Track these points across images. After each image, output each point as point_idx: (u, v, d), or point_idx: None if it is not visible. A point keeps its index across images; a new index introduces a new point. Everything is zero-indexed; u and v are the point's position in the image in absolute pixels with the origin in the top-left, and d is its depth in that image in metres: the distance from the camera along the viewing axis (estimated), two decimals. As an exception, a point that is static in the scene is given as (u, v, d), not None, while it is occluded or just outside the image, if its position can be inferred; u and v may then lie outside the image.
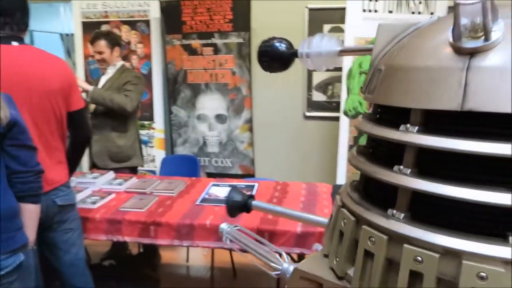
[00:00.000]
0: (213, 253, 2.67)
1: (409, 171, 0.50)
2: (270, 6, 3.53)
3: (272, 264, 0.81)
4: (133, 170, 2.92)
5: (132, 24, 3.64)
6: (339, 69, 3.49)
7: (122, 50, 2.97)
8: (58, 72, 1.72)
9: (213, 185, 2.55)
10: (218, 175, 3.63)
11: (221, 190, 2.44)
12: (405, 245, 0.48)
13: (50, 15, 4.92)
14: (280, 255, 0.81)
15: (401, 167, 0.51)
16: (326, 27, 3.48)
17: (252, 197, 0.93)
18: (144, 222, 1.98)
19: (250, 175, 3.56)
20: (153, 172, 3.70)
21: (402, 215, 0.51)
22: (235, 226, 1.09)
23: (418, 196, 0.49)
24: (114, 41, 2.76)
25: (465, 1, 0.44)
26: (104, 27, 3.61)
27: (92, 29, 3.37)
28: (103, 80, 2.80)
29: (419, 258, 0.47)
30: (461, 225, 0.47)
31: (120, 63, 2.85)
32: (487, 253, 0.43)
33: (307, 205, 2.24)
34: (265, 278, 2.88)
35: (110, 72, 2.79)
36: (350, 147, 3.16)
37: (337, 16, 3.43)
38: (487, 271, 0.42)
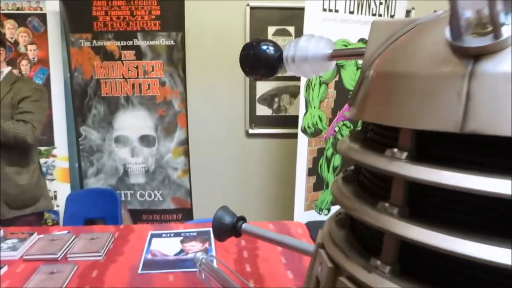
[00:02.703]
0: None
1: (395, 210, 0.41)
2: (206, 2, 3.00)
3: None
4: (40, 216, 2.22)
5: (20, 19, 2.83)
6: (287, 78, 3.11)
7: (7, 53, 2.19)
8: None
9: (153, 236, 1.93)
10: (144, 211, 2.97)
11: (167, 245, 1.83)
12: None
13: None
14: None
15: (387, 204, 0.42)
16: (271, 29, 3.05)
17: (243, 219, 0.91)
18: (63, 317, 1.31)
19: (186, 209, 2.96)
20: (55, 213, 2.90)
21: (388, 268, 0.42)
22: (210, 257, 1.04)
23: (409, 244, 0.40)
24: (-2, 39, 2.02)
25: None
26: (-21, 22, 2.75)
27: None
28: (-19, 94, 2.02)
29: None
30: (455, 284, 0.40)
31: (7, 69, 2.10)
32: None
33: (286, 252, 1.74)
34: None
35: (-7, 82, 2.02)
36: (309, 170, 2.75)
37: (282, 16, 3.03)
38: None
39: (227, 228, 0.90)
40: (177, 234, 1.96)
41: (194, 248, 1.80)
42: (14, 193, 2.05)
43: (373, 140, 0.49)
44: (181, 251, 1.77)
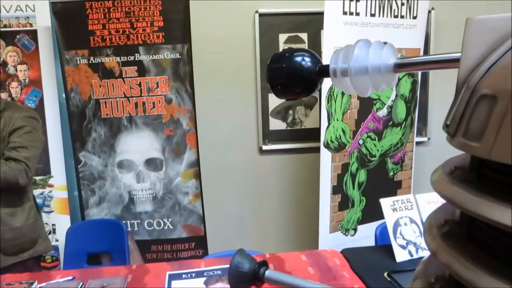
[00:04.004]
0: None
1: None
2: (212, 11, 2.79)
3: None
4: (39, 259, 2.00)
5: (7, 37, 2.60)
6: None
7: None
8: None
9: (172, 277, 1.70)
10: (153, 242, 2.73)
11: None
12: None
13: None
14: None
15: None
16: (282, 37, 2.85)
17: (264, 264, 0.81)
18: None
19: (199, 237, 2.72)
20: (55, 248, 2.65)
21: None
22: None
23: None
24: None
25: None
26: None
27: None
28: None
29: None
30: None
31: (-5, 94, 1.87)
32: None
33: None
34: None
35: (-20, 110, 1.79)
36: (334, 188, 2.53)
37: (294, 22, 2.83)
38: None
39: (248, 277, 0.78)
40: (199, 274, 1.73)
41: (223, 291, 1.56)
42: (9, 237, 1.81)
43: (504, 183, 0.37)
44: (209, 297, 1.53)
